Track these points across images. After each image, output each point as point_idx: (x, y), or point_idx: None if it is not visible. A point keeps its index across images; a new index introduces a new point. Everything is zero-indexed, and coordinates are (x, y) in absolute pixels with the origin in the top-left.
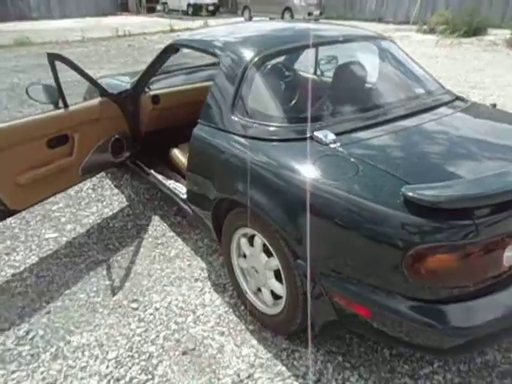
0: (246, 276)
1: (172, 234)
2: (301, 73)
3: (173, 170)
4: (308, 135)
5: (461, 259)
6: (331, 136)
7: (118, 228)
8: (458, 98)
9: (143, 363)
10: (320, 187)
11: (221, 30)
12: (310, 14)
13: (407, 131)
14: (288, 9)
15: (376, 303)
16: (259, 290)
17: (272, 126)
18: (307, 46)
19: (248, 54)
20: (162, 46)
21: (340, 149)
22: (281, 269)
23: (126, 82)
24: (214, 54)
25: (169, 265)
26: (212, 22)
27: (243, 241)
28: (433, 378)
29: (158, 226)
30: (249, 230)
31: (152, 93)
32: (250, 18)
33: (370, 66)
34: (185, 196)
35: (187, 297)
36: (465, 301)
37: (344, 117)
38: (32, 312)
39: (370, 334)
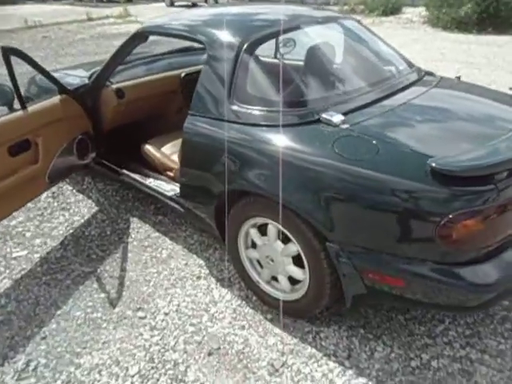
0: (255, 266)
1: (157, 234)
2: (287, 56)
3: (146, 166)
4: (315, 117)
5: (486, 221)
6: (339, 117)
7: (96, 236)
8: (427, 73)
9: (171, 372)
10: (346, 169)
11: (197, 13)
12: None
13: (404, 107)
14: None
15: (410, 273)
16: (273, 278)
17: (275, 111)
18: (293, 29)
19: (239, 37)
20: (85, 36)
21: (352, 129)
22: (302, 254)
23: (81, 76)
24: (197, 40)
25: (164, 266)
26: (132, 8)
27: (253, 231)
28: (448, 334)
29: (139, 228)
30: (260, 220)
31: (115, 86)
32: (172, 4)
33: (349, 46)
34: (171, 193)
35: (195, 296)
36: (491, 258)
37: (341, 97)
38: (24, 340)
39: (402, 303)
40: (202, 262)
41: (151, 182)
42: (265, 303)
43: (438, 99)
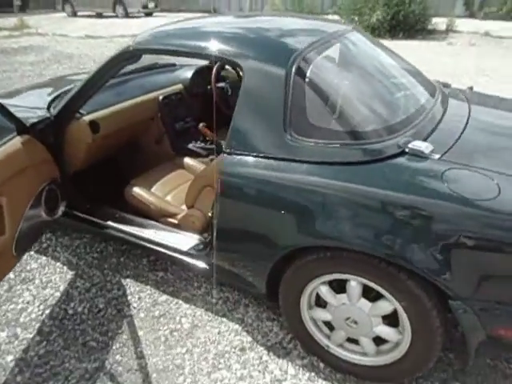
0: (321, 328)
1: (166, 297)
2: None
3: (134, 213)
4: (399, 149)
5: None
6: (428, 146)
7: (86, 313)
8: (445, 85)
9: None
10: (477, 214)
11: (208, 26)
12: (144, 7)
13: (472, 127)
14: (119, 2)
15: None
16: (351, 340)
17: (349, 144)
18: (331, 44)
19: (286, 55)
20: None
21: (446, 159)
22: (404, 312)
23: (28, 107)
24: (228, 61)
25: (193, 341)
26: (29, 19)
27: (324, 289)
28: None
29: (140, 293)
30: (336, 276)
31: (88, 118)
32: (75, 14)
33: (379, 61)
34: (186, 247)
35: (250, 378)
36: None
37: (408, 122)
38: None
39: None
40: (236, 326)
41: (151, 234)
42: (337, 370)
43: (487, 113)
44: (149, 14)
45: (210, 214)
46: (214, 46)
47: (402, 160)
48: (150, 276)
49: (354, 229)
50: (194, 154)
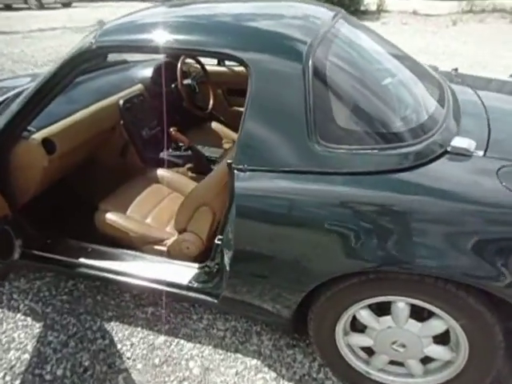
0: (358, 354)
1: (164, 338)
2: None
3: (108, 242)
4: (442, 149)
5: None
6: (470, 142)
7: (68, 375)
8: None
9: None
10: None
11: (189, 15)
12: None
13: (492, 114)
14: None
15: None
16: (393, 362)
17: (389, 147)
18: (334, 33)
19: (299, 48)
20: None
21: (494, 156)
22: (461, 330)
23: None
24: (229, 57)
25: None
26: None
27: (365, 313)
28: None
29: (130, 338)
30: (381, 299)
31: (39, 136)
32: None
33: (383, 48)
34: (187, 280)
35: None
36: None
37: (438, 116)
38: None
39: None
40: (254, 360)
41: (136, 266)
42: None
43: (494, 99)
44: (67, 5)
45: (217, 241)
46: (211, 40)
47: (448, 161)
48: (138, 314)
49: (418, 249)
50: (167, 164)
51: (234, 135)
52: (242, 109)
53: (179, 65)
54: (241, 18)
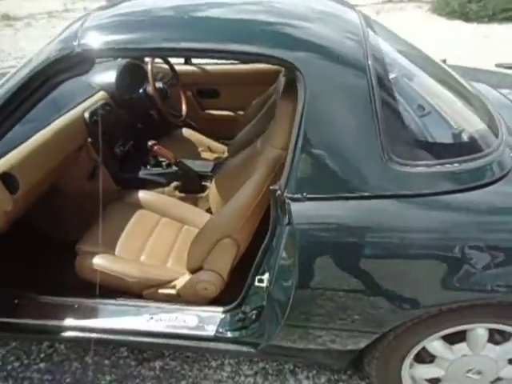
0: None
1: None
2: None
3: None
4: None
5: None
6: None
7: None
8: None
9: None
10: None
11: (204, 8)
12: None
13: None
14: None
15: None
16: None
17: (472, 159)
18: (373, 30)
19: (356, 49)
20: None
21: None
22: None
23: None
24: (274, 61)
25: None
26: None
27: (438, 344)
28: None
29: None
30: (460, 328)
31: None
32: None
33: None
34: (211, 329)
35: None
36: None
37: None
38: None
39: None
40: None
41: (140, 321)
42: None
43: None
44: None
45: (257, 282)
46: (247, 40)
47: None
48: (144, 373)
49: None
50: (148, 185)
51: (210, 142)
52: (215, 112)
53: (149, 66)
54: (276, 13)
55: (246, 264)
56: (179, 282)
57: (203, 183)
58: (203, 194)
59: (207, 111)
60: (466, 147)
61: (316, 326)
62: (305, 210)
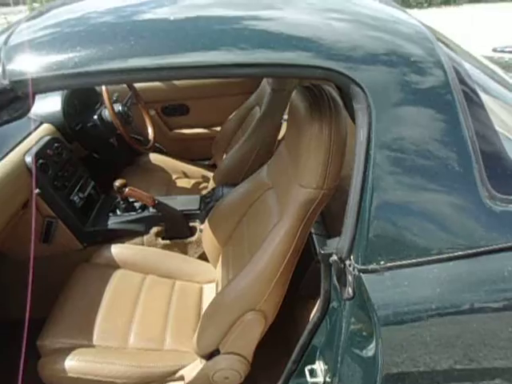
0: None
1: None
2: None
3: None
4: None
5: None
6: None
7: None
8: None
9: None
10: None
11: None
12: None
13: None
14: None
15: None
16: None
17: None
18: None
19: (433, 55)
20: None
21: None
22: None
23: None
24: (328, 75)
25: None
26: None
27: None
28: None
29: None
30: None
31: None
32: None
33: None
34: None
35: None
36: None
37: None
38: None
39: None
40: None
41: None
42: None
43: None
44: None
45: (311, 378)
46: (280, 47)
47: None
48: None
49: None
50: (121, 236)
51: (184, 166)
52: (186, 131)
53: (103, 87)
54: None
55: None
56: (189, 372)
57: (191, 224)
58: (193, 238)
59: (176, 131)
60: None
61: None
62: (390, 284)
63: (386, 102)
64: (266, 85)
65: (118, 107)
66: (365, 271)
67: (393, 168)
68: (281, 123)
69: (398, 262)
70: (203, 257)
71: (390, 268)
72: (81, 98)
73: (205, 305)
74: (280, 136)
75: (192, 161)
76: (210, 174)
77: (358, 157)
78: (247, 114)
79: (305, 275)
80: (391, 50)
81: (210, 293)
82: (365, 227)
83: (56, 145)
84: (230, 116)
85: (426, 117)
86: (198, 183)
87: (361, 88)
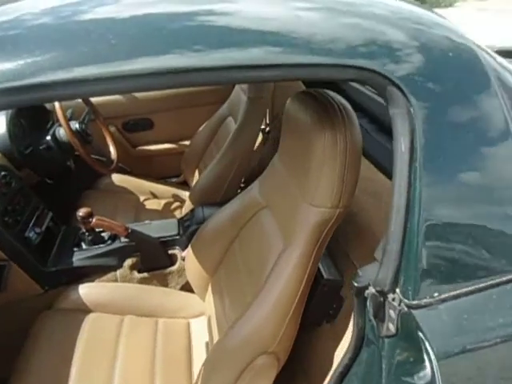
0: None
1: None
2: None
3: None
4: None
5: None
6: None
7: None
8: None
9: None
10: None
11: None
12: None
13: None
14: None
15: None
16: None
17: None
18: None
19: (473, 55)
20: None
21: None
22: None
23: None
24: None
25: None
26: None
27: None
28: None
29: None
30: None
31: None
32: None
33: None
34: None
35: None
36: None
37: None
38: None
39: None
40: None
41: None
42: None
43: None
44: None
45: None
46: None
47: None
48: None
49: None
50: (90, 273)
51: (152, 186)
52: (151, 147)
53: (56, 102)
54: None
55: None
56: None
57: (170, 252)
58: (173, 268)
59: (140, 147)
60: None
61: None
62: (441, 317)
63: (436, 109)
64: (239, 93)
65: (75, 125)
66: (416, 306)
67: (447, 183)
68: (258, 134)
69: (453, 293)
70: (187, 287)
71: (444, 300)
72: (28, 116)
73: (195, 342)
74: (255, 147)
75: (160, 179)
76: (182, 193)
77: (400, 172)
78: (219, 125)
79: (312, 301)
80: (434, 46)
81: (199, 328)
82: (413, 255)
83: (3, 173)
84: (200, 128)
85: (480, 125)
86: (170, 203)
87: (402, 91)
